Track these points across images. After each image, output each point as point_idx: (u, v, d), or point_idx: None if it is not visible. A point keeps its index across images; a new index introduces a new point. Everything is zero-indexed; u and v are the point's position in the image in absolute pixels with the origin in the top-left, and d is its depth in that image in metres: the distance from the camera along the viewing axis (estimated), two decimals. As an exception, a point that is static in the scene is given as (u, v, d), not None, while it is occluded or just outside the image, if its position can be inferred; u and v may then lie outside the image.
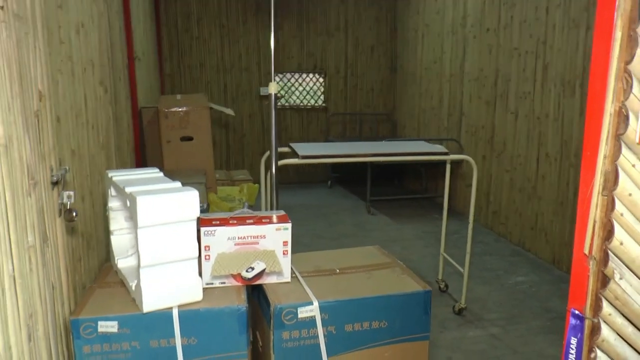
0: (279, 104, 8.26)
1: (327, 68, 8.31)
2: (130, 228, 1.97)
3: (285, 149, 3.93)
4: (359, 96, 8.48)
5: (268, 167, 2.94)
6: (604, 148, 0.94)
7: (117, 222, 2.12)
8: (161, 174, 2.12)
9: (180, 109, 4.30)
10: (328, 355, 1.98)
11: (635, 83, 0.88)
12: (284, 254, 2.06)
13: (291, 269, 2.17)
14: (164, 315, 1.83)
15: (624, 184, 0.93)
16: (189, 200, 1.80)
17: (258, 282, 2.07)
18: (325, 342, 1.96)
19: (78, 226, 2.26)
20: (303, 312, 1.92)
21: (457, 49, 6.20)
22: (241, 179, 5.23)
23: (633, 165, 0.93)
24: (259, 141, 8.15)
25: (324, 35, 8.22)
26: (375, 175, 6.75)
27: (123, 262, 2.08)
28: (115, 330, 1.80)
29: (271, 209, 2.74)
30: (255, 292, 2.17)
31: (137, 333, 1.82)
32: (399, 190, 7.81)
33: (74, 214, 1.88)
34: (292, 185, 8.23)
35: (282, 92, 8.31)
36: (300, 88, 8.35)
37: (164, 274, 1.81)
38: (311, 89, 8.41)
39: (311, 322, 1.93)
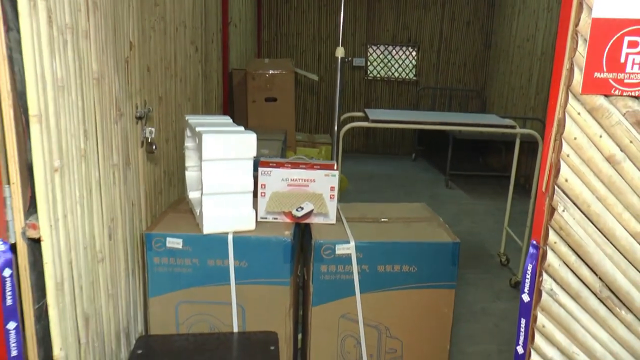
0: (370, 75, 8.45)
1: (421, 42, 8.37)
2: (200, 167, 2.29)
3: (360, 114, 4.16)
4: (451, 71, 8.48)
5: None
6: (559, 99, 1.11)
7: (191, 159, 2.46)
8: (230, 120, 2.43)
9: (266, 72, 4.63)
10: (361, 291, 2.22)
11: (580, 42, 1.04)
12: (330, 197, 2.32)
13: (338, 212, 2.42)
14: (220, 239, 2.15)
15: (570, 128, 1.09)
16: (247, 141, 2.10)
17: (306, 221, 2.34)
18: (358, 279, 2.20)
19: (161, 164, 2.63)
20: (340, 249, 2.17)
21: (551, 26, 6.09)
22: (322, 142, 5.51)
23: (579, 113, 1.09)
24: (349, 109, 8.41)
25: (420, 8, 8.26)
26: (459, 152, 6.81)
27: (193, 194, 2.42)
28: (180, 246, 2.14)
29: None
30: (307, 234, 2.43)
31: (197, 251, 2.15)
32: (481, 167, 7.80)
33: (154, 147, 2.24)
34: (378, 155, 8.44)
35: (378, 66, 8.48)
36: (393, 60, 8.48)
37: (222, 202, 2.12)
38: (403, 62, 8.51)
39: (347, 259, 2.18)
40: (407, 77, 8.52)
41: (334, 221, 2.35)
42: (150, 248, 2.15)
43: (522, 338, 1.26)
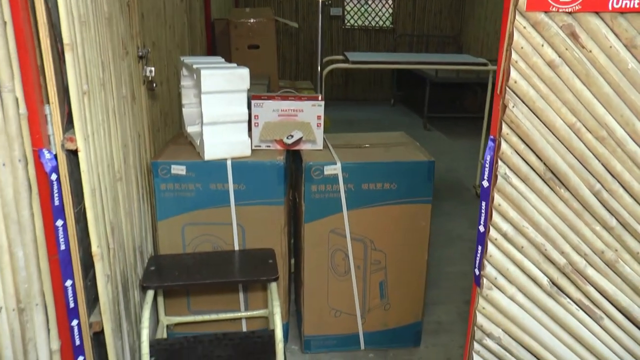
0: (347, 24, 8.59)
1: (397, -11, 8.50)
2: (197, 103, 2.50)
3: (341, 57, 4.37)
4: (427, 18, 8.65)
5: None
6: (510, 16, 1.35)
7: (188, 97, 2.67)
8: (222, 59, 2.64)
9: (247, 20, 4.79)
10: (347, 208, 2.49)
11: (524, -32, 1.28)
12: (317, 126, 2.56)
13: (325, 141, 2.67)
14: (220, 164, 2.39)
15: (518, 40, 1.34)
16: (241, 75, 2.32)
17: (296, 147, 2.58)
18: (345, 196, 2.46)
19: (158, 104, 2.84)
20: (328, 170, 2.43)
21: (522, -31, 6.28)
22: (304, 87, 5.70)
23: (524, 27, 1.33)
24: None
25: (395, -45, 8.37)
26: (436, 95, 7.05)
27: (191, 128, 2.64)
28: (183, 173, 2.38)
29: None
30: (297, 160, 2.67)
31: (199, 176, 2.39)
32: (457, 109, 8.06)
33: (154, 84, 2.44)
34: (357, 102, 8.66)
35: (355, 15, 8.60)
36: (370, 9, 8.61)
37: (220, 131, 2.35)
38: (380, 10, 8.64)
39: (334, 179, 2.44)
40: (384, 25, 8.67)
41: (321, 147, 2.60)
42: (157, 175, 2.38)
43: (482, 218, 1.53)
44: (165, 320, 2.56)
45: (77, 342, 1.60)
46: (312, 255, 2.56)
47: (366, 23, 8.64)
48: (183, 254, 2.48)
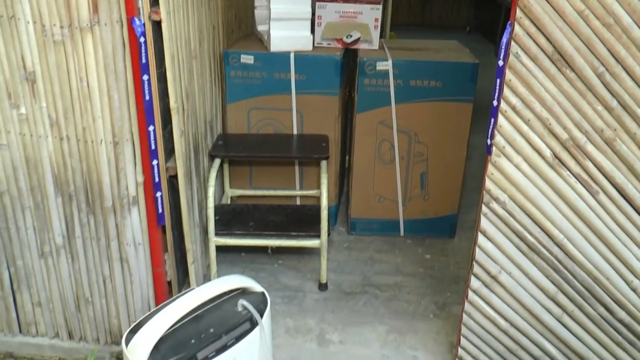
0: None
1: None
2: (267, 5, 2.78)
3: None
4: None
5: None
6: None
7: (259, 0, 2.96)
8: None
9: None
10: (395, 102, 2.75)
11: None
12: (375, 27, 2.80)
13: (381, 43, 2.91)
14: (284, 56, 2.69)
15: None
16: (304, -24, 2.59)
17: (354, 46, 2.84)
18: (394, 91, 2.72)
19: (234, 9, 3.12)
20: (380, 66, 2.68)
21: None
22: (376, 7, 5.85)
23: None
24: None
25: None
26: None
27: (261, 27, 2.95)
28: (251, 62, 2.70)
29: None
30: (355, 58, 2.92)
31: (265, 66, 2.71)
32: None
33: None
34: (433, 29, 8.67)
35: None
36: None
37: (286, 26, 2.64)
38: None
39: (385, 74, 2.69)
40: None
41: (376, 47, 2.85)
42: (227, 63, 2.72)
43: (496, 94, 1.76)
44: (230, 192, 2.96)
45: (156, 179, 1.99)
46: (361, 143, 2.86)
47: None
48: (248, 134, 2.85)
